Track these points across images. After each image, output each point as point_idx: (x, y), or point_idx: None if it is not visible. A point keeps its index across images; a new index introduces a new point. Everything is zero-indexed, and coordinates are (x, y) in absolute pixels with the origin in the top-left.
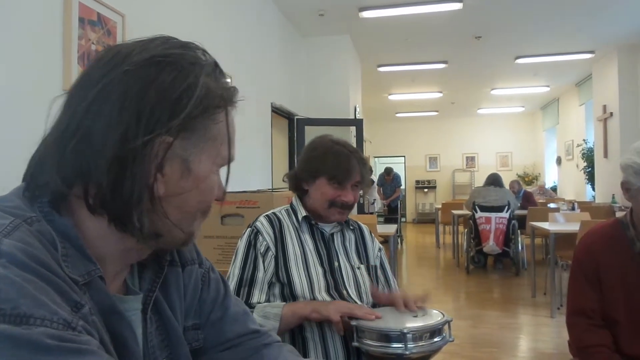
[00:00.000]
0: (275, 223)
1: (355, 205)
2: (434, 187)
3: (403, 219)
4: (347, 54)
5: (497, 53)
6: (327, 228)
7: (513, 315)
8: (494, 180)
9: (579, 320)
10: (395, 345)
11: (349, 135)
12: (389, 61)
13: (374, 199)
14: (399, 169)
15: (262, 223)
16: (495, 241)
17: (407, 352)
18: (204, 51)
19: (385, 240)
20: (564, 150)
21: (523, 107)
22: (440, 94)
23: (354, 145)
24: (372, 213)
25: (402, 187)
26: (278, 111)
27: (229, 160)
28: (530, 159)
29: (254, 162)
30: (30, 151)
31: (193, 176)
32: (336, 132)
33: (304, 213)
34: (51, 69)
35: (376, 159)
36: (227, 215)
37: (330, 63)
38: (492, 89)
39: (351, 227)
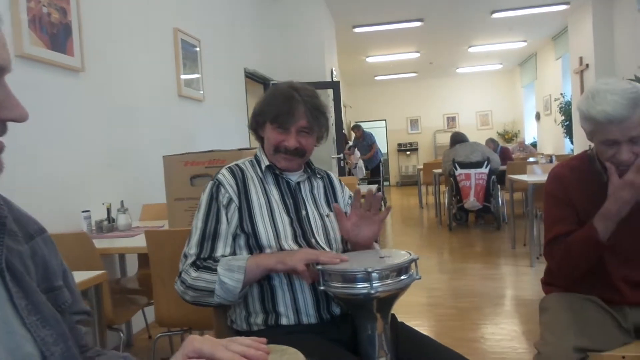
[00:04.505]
0: (238, 174)
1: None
2: (416, 150)
3: (386, 183)
4: (320, 15)
5: (472, 8)
6: (293, 177)
7: (494, 267)
8: (462, 138)
9: (558, 244)
10: (360, 285)
11: (327, 99)
12: (364, 21)
13: (356, 164)
14: (380, 133)
15: (224, 175)
16: (476, 197)
17: (373, 292)
18: None
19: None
20: (542, 106)
21: (501, 64)
22: (418, 54)
23: (333, 109)
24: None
25: (385, 151)
26: (252, 76)
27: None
28: (510, 117)
29: (229, 127)
30: None
31: None
32: None
33: (266, 162)
34: None
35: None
36: (196, 176)
37: (303, 25)
38: (470, 47)
39: (319, 176)
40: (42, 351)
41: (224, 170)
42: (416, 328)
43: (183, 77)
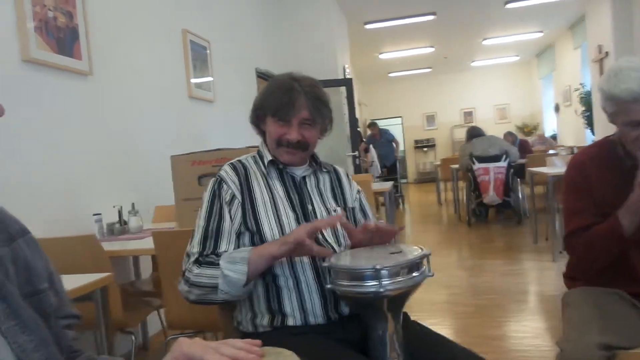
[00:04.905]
0: (240, 170)
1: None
2: (433, 146)
3: (404, 180)
4: (331, 12)
5: None
6: (298, 172)
7: (515, 262)
8: (478, 132)
9: (578, 237)
10: (369, 283)
11: (340, 97)
12: (375, 17)
13: (372, 162)
14: (396, 130)
15: (226, 171)
16: (495, 191)
17: (382, 290)
18: None
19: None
20: (561, 97)
21: (517, 55)
22: (432, 49)
23: (347, 107)
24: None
25: (402, 148)
26: (264, 76)
27: None
28: (528, 109)
29: (240, 127)
30: None
31: None
32: None
33: (269, 157)
34: (4, 40)
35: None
36: (203, 176)
37: (314, 23)
38: (484, 39)
39: (325, 170)
40: (20, 358)
41: (226, 167)
42: (434, 326)
43: (193, 78)
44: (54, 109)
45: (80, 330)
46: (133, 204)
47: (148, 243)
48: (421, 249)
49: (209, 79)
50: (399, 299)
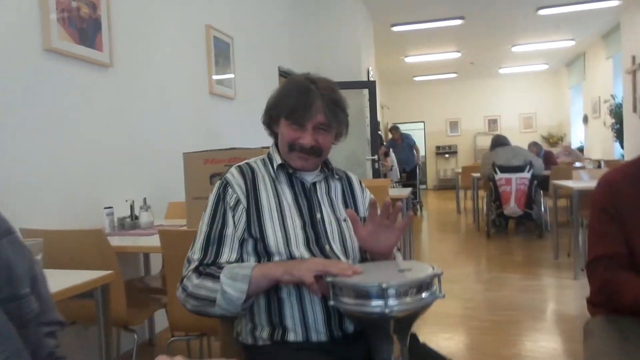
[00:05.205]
0: (248, 173)
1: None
2: (455, 153)
3: (423, 186)
4: (356, 13)
5: (517, 4)
6: (308, 177)
7: (534, 278)
8: (503, 141)
9: (600, 267)
10: (375, 302)
11: (363, 99)
12: (403, 20)
13: (391, 166)
14: (418, 135)
15: (233, 174)
16: (517, 203)
17: (387, 310)
18: None
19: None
20: (590, 108)
21: (547, 64)
22: (459, 54)
23: (368, 109)
24: (393, 185)
25: (423, 154)
26: (286, 74)
27: None
28: (555, 119)
29: (260, 126)
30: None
31: None
32: (348, 96)
33: (279, 161)
34: (27, 28)
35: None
36: (215, 175)
37: (339, 24)
38: (513, 46)
39: (337, 176)
40: None
41: (232, 169)
42: (446, 341)
43: (215, 74)
44: (72, 98)
45: (85, 325)
46: (145, 199)
47: (157, 240)
48: (432, 267)
49: (231, 75)
50: (407, 320)
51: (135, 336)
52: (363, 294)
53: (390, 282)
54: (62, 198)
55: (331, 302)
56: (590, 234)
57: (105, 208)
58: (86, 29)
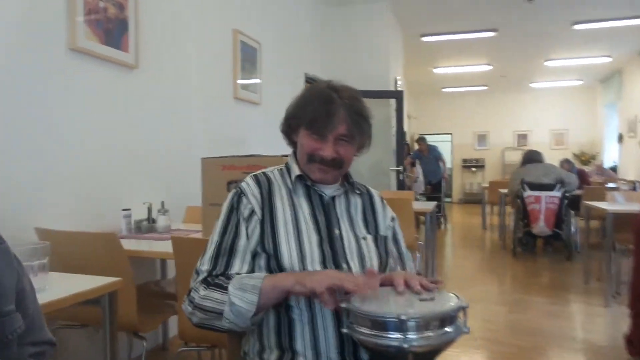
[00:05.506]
0: (264, 183)
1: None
2: (483, 167)
3: (448, 199)
4: (386, 23)
5: (552, 18)
6: (328, 190)
7: (562, 302)
8: (536, 157)
9: None
10: (392, 335)
11: (389, 108)
12: (433, 30)
13: (417, 178)
14: (445, 147)
15: (248, 183)
16: (546, 222)
17: (406, 345)
18: None
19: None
20: (626, 127)
21: (581, 80)
22: (490, 67)
23: (395, 120)
24: (417, 197)
25: (449, 166)
26: (312, 82)
27: None
28: (588, 137)
29: None
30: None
31: None
32: (375, 105)
33: (297, 172)
34: (53, 26)
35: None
36: (232, 182)
37: (368, 32)
38: (547, 60)
39: (357, 191)
40: None
41: (248, 179)
42: None
43: (240, 79)
44: (95, 98)
45: (95, 328)
46: (162, 203)
47: (170, 245)
48: (457, 297)
49: (257, 81)
50: (427, 356)
51: (145, 343)
52: (380, 325)
53: (410, 314)
54: (81, 198)
55: (345, 330)
56: (635, 266)
57: (123, 210)
58: (112, 30)
